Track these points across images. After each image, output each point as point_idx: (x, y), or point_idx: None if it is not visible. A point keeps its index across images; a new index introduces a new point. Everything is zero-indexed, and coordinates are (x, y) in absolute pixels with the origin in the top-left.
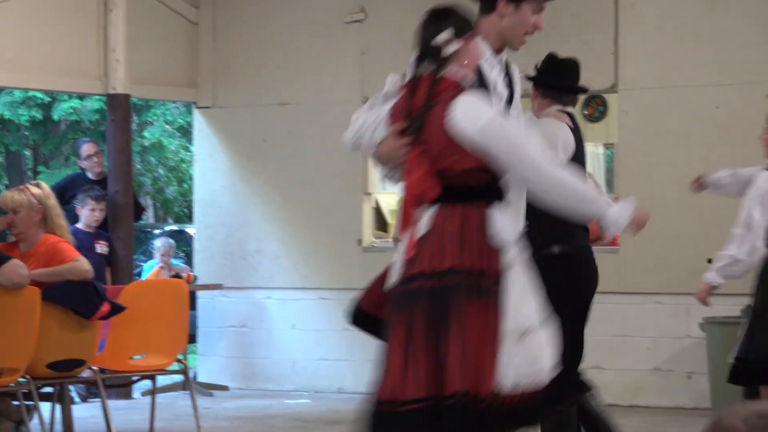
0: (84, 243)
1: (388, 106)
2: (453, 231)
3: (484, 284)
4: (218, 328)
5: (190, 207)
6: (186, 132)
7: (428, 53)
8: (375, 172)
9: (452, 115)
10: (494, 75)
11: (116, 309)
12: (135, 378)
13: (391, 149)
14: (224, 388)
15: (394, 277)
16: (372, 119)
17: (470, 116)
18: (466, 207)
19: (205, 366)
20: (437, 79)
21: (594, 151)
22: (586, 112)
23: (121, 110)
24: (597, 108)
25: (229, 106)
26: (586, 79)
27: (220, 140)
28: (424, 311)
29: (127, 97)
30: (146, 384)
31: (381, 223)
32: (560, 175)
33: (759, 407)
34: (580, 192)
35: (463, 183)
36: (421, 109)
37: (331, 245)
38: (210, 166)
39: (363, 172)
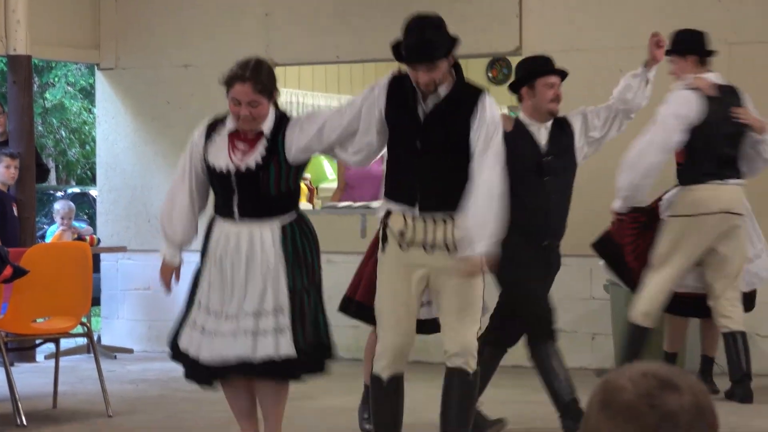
0: (4, 203)
1: None
2: None
3: None
4: (122, 291)
5: (93, 169)
6: (88, 93)
7: None
8: None
9: None
10: None
11: (19, 272)
12: (38, 341)
13: None
14: (129, 351)
15: None
16: None
17: None
18: None
19: (109, 329)
20: None
21: None
22: (490, 75)
23: (22, 71)
24: (501, 70)
25: (131, 68)
26: (490, 41)
27: (122, 102)
28: None
29: (28, 58)
30: (50, 347)
31: None
32: None
33: (645, 366)
34: None
35: None
36: None
37: None
38: (113, 127)
39: None
